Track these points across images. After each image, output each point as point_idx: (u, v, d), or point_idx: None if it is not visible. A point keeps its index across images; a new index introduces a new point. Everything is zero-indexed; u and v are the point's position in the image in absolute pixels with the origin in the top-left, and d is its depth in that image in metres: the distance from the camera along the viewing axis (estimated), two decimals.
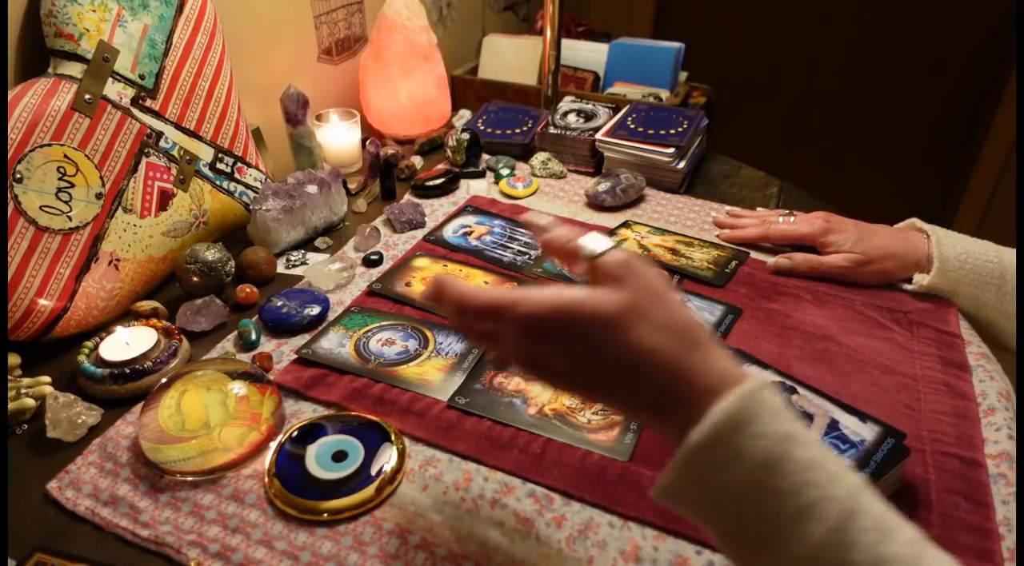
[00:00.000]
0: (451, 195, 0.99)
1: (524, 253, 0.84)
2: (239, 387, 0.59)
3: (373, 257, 0.82)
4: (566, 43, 1.44)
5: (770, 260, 0.82)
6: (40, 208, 0.64)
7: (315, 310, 0.71)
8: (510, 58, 1.42)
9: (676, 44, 1.45)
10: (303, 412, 0.60)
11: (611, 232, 0.88)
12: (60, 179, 0.65)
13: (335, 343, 0.67)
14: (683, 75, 1.54)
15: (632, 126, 1.04)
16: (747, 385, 0.35)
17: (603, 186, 0.95)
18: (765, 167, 1.10)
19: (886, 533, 0.32)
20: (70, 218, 0.66)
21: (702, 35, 2.10)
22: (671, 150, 0.98)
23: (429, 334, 0.69)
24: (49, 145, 0.64)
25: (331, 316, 0.72)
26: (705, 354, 0.37)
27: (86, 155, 0.67)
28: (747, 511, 0.34)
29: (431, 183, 0.98)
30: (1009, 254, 0.71)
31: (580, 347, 0.37)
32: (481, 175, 1.04)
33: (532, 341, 0.38)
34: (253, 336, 0.68)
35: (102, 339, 0.65)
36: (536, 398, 0.61)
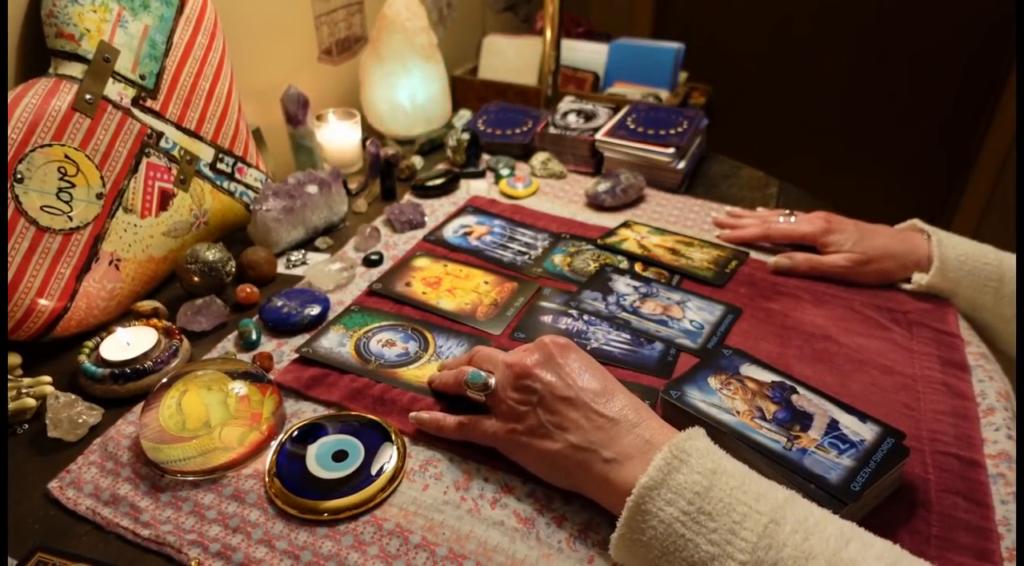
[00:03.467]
0: (451, 195, 0.99)
1: (524, 253, 0.84)
2: (240, 387, 0.59)
3: (373, 257, 0.82)
4: (566, 43, 1.45)
5: (770, 260, 0.82)
6: (41, 208, 0.64)
7: (315, 310, 0.71)
8: (510, 58, 1.42)
9: (676, 44, 1.46)
10: (303, 412, 0.60)
11: (611, 232, 0.88)
12: (61, 179, 0.65)
13: (335, 342, 0.67)
14: (683, 75, 1.54)
15: (632, 126, 1.04)
16: (679, 436, 0.46)
17: (603, 186, 0.95)
18: (765, 167, 1.10)
19: (810, 532, 0.40)
20: (71, 218, 0.67)
21: (702, 35, 2.10)
22: (671, 150, 0.98)
23: (429, 337, 0.69)
24: (50, 145, 0.64)
25: (331, 316, 0.72)
26: (638, 423, 0.49)
27: (87, 155, 0.67)
28: (694, 536, 0.41)
29: (431, 183, 0.98)
30: (1008, 258, 0.72)
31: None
32: (481, 175, 1.04)
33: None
34: (253, 336, 0.68)
35: (103, 339, 0.65)
36: None
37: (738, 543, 0.40)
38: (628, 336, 0.69)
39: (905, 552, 0.40)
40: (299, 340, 0.69)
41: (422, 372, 0.64)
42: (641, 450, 0.47)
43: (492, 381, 0.54)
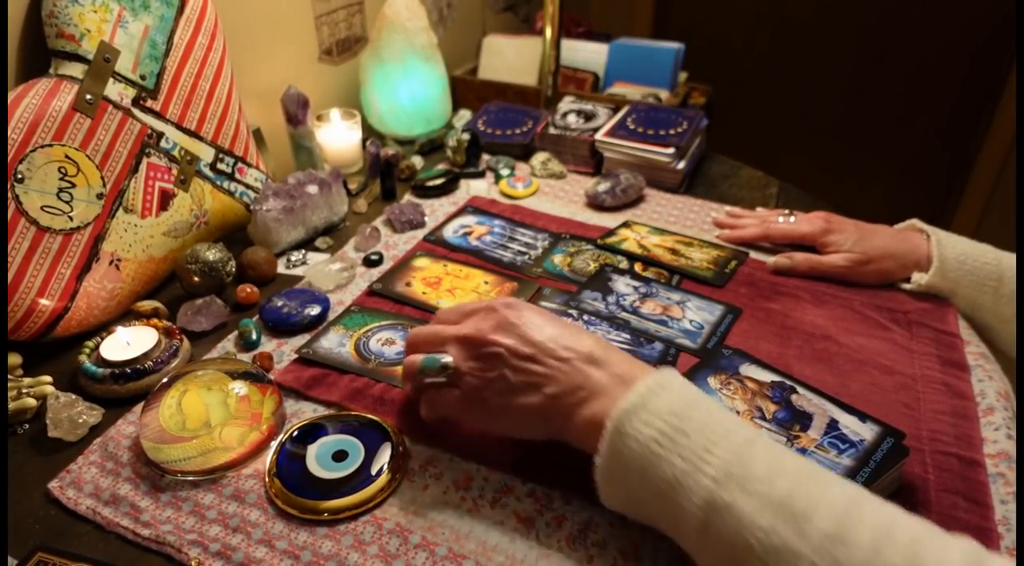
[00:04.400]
0: (451, 195, 0.99)
1: (524, 253, 0.84)
2: (240, 387, 0.59)
3: (373, 257, 0.82)
4: (566, 43, 1.45)
5: (770, 260, 0.82)
6: (41, 208, 0.64)
7: (315, 310, 0.71)
8: (510, 58, 1.42)
9: (676, 44, 1.46)
10: (303, 412, 0.61)
11: (611, 232, 0.88)
12: (61, 179, 0.65)
13: (335, 343, 0.68)
14: (683, 75, 1.54)
15: (632, 126, 1.04)
16: (661, 370, 0.47)
17: (603, 186, 0.95)
18: (765, 167, 1.11)
19: (784, 454, 0.41)
20: (71, 218, 0.67)
21: (702, 35, 2.10)
22: (671, 150, 0.99)
23: None
24: (50, 145, 0.64)
25: (331, 316, 0.72)
26: (610, 358, 0.49)
27: (87, 155, 0.67)
28: (667, 454, 0.42)
29: (431, 183, 0.98)
30: (1008, 258, 0.72)
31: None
32: (481, 175, 1.04)
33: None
34: (254, 336, 0.68)
35: (103, 339, 0.65)
36: None
37: (711, 459, 0.40)
38: (628, 336, 0.69)
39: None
40: (299, 340, 0.69)
41: None
42: (616, 384, 0.47)
43: (449, 359, 0.52)
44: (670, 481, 0.41)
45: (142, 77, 0.72)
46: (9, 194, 0.62)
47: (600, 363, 0.48)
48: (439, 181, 0.99)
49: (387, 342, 0.68)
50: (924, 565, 0.34)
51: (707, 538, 0.40)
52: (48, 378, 0.61)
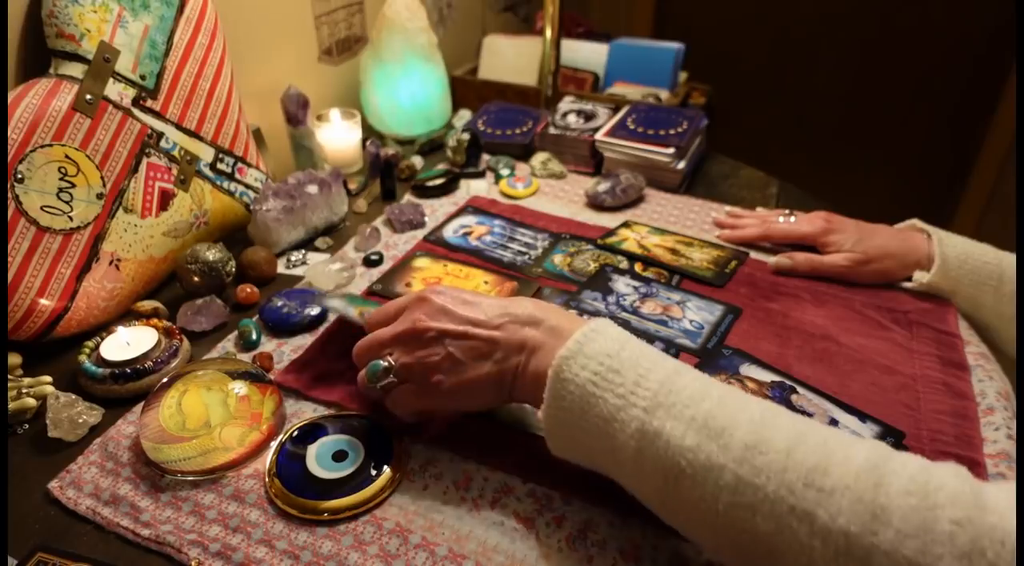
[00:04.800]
0: (451, 195, 0.99)
1: (524, 253, 0.84)
2: (240, 387, 0.59)
3: (373, 257, 0.82)
4: (566, 43, 1.45)
5: (770, 260, 0.82)
6: (41, 208, 0.64)
7: (315, 310, 0.71)
8: (510, 58, 1.42)
9: (676, 44, 1.46)
10: (303, 412, 0.61)
11: (611, 232, 0.88)
12: (61, 179, 0.65)
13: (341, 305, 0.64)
14: (683, 75, 1.54)
15: (632, 126, 1.04)
16: (596, 319, 0.49)
17: (603, 186, 0.95)
18: (765, 167, 1.10)
19: (708, 381, 0.44)
20: (71, 218, 0.67)
21: (702, 35, 2.10)
22: (671, 150, 0.99)
23: None
24: (50, 145, 0.64)
25: (331, 316, 0.72)
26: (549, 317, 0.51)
27: (87, 155, 0.67)
28: (603, 393, 0.44)
29: (431, 183, 0.98)
30: (1008, 257, 0.72)
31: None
32: (481, 175, 1.04)
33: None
34: (254, 336, 0.68)
35: (103, 339, 0.65)
36: None
37: (640, 392, 0.43)
38: None
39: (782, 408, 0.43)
40: (299, 340, 0.69)
41: None
42: (555, 336, 0.49)
43: (391, 360, 0.53)
44: (606, 417, 0.43)
45: (142, 77, 0.72)
46: (9, 194, 0.62)
47: (538, 322, 0.51)
48: (439, 181, 0.99)
49: None
50: (832, 462, 0.37)
51: (642, 466, 0.42)
52: (48, 378, 0.61)
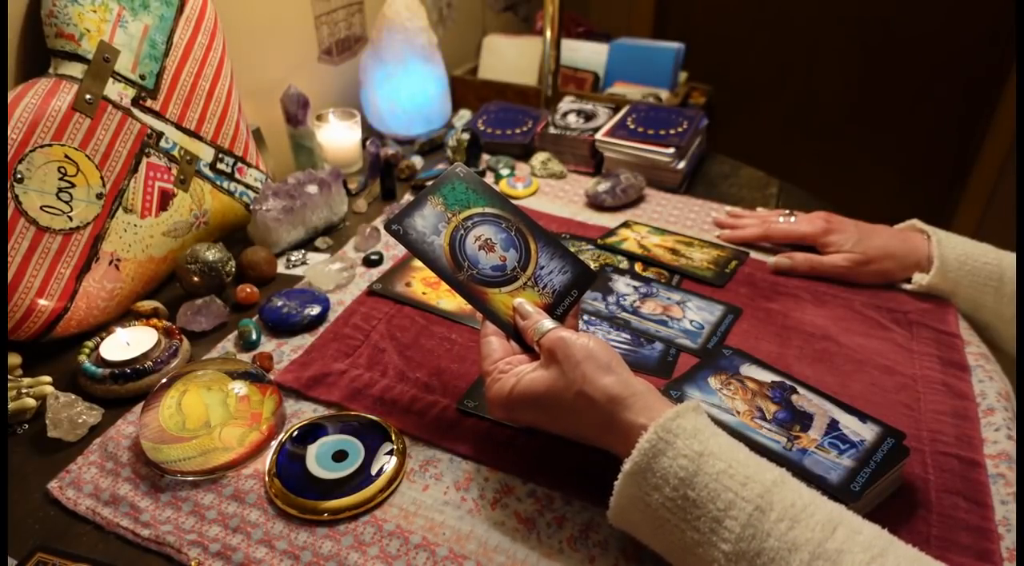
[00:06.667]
0: None
1: None
2: (240, 387, 0.59)
3: (373, 257, 0.82)
4: (566, 43, 1.45)
5: (770, 260, 0.82)
6: (41, 208, 0.64)
7: (315, 310, 0.71)
8: (510, 58, 1.42)
9: (676, 44, 1.46)
10: (303, 412, 0.60)
11: (611, 232, 0.88)
12: (61, 179, 0.65)
13: (430, 226, 0.57)
14: (683, 75, 1.54)
15: (632, 126, 1.04)
16: (665, 415, 0.44)
17: (603, 186, 0.95)
18: (765, 167, 1.10)
19: (796, 520, 0.40)
20: (71, 218, 0.67)
21: (702, 35, 2.10)
22: (671, 150, 0.98)
23: (533, 247, 0.57)
24: (50, 145, 0.64)
25: (331, 316, 0.72)
26: (629, 402, 0.46)
27: (87, 155, 0.67)
28: (679, 522, 0.42)
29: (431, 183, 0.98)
30: (1008, 257, 0.72)
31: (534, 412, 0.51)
32: (481, 175, 1.04)
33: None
34: (253, 336, 0.68)
35: (103, 339, 0.65)
36: None
37: (722, 533, 0.40)
38: (628, 336, 0.69)
39: (894, 538, 0.40)
40: (299, 340, 0.69)
41: (511, 301, 0.55)
42: (626, 431, 0.46)
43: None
44: (685, 546, 0.42)
45: (142, 77, 0.72)
46: (9, 194, 0.62)
47: (623, 404, 0.47)
48: None
49: (486, 245, 0.57)
50: None
51: None
52: (48, 378, 0.61)
